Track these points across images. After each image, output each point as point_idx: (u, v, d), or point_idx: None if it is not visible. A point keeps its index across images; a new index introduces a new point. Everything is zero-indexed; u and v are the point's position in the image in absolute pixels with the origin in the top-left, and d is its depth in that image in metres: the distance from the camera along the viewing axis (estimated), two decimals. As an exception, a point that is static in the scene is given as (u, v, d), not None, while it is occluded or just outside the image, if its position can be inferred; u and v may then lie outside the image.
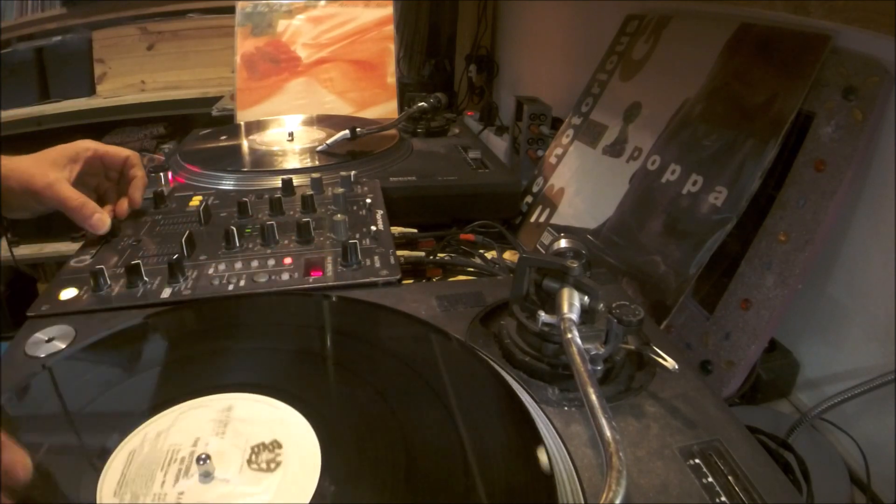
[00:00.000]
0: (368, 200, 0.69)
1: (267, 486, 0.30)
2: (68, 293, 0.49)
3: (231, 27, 1.23)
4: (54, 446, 0.33)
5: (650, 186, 0.68)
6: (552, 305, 0.40)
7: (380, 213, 0.65)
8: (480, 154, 0.90)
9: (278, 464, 0.30)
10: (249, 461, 0.30)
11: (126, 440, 0.33)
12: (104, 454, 0.32)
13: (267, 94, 1.19)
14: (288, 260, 0.55)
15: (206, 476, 0.30)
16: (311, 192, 0.68)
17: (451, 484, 0.30)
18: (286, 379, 0.38)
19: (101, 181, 0.64)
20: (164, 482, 0.30)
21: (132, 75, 1.78)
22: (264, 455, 0.30)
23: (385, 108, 1.20)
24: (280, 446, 0.30)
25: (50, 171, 0.55)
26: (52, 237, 1.73)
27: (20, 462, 0.28)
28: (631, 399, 0.39)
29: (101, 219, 0.57)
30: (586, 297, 0.40)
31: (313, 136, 0.96)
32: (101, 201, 0.63)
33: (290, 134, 0.95)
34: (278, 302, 0.49)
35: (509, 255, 0.72)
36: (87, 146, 0.60)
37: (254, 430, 0.32)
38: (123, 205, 0.63)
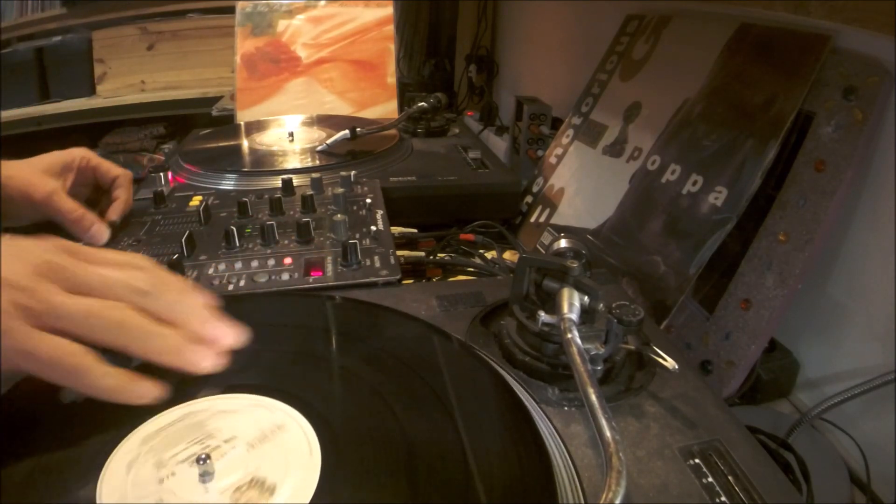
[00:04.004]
0: (368, 200, 0.69)
1: None
2: (68, 293, 0.49)
3: (231, 27, 1.23)
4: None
5: (650, 186, 0.68)
6: (552, 305, 0.40)
7: (380, 213, 0.65)
8: (480, 154, 0.90)
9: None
10: (238, 489, 0.30)
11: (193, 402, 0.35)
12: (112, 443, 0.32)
13: (267, 94, 1.19)
14: (288, 260, 0.55)
15: (206, 476, 0.30)
16: (311, 192, 0.68)
17: (451, 484, 0.30)
18: (286, 379, 0.38)
19: (90, 190, 0.63)
20: (177, 454, 0.31)
21: (132, 75, 1.78)
22: (251, 493, 0.30)
23: (385, 108, 1.20)
24: (272, 494, 0.30)
25: (48, 180, 0.54)
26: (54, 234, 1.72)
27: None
28: (631, 399, 0.39)
29: (100, 230, 0.56)
30: (586, 297, 0.40)
31: (313, 136, 0.96)
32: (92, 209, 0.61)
33: (290, 134, 0.95)
34: (278, 302, 0.49)
35: (509, 255, 0.72)
36: (82, 154, 0.58)
37: (270, 464, 0.31)
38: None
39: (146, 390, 0.31)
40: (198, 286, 0.36)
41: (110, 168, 0.61)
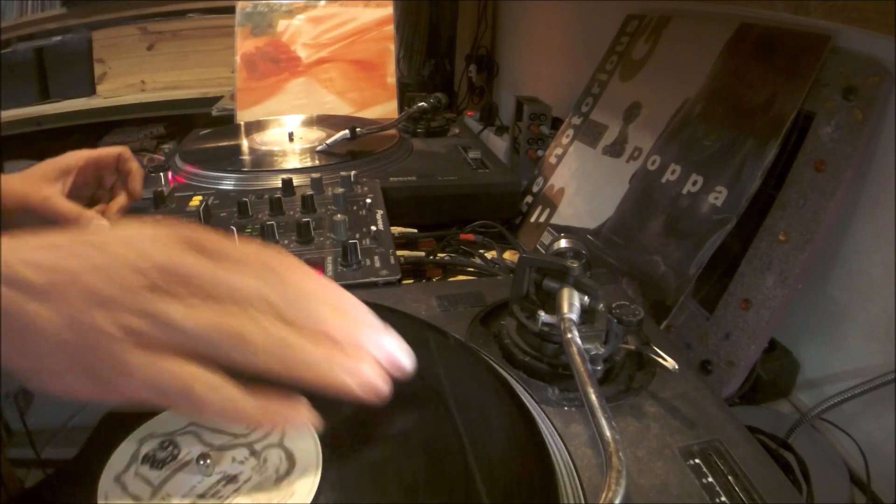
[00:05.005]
0: (368, 200, 0.69)
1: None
2: (68, 293, 0.49)
3: (231, 27, 1.23)
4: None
5: (650, 186, 0.68)
6: (552, 305, 0.40)
7: (380, 213, 0.65)
8: (480, 154, 0.91)
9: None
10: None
11: None
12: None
13: (267, 94, 1.19)
14: (288, 260, 0.55)
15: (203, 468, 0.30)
16: (311, 192, 0.68)
17: (451, 484, 0.30)
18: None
19: (95, 191, 0.63)
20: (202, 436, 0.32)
21: (132, 75, 1.78)
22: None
23: (385, 108, 1.20)
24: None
25: (43, 186, 0.55)
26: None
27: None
28: (631, 399, 0.39)
29: (100, 226, 0.56)
30: (586, 297, 0.40)
31: (313, 136, 0.96)
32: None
33: (290, 134, 0.95)
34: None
35: (509, 255, 0.72)
36: (78, 156, 0.59)
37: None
38: (123, 200, 0.63)
39: (288, 416, 0.26)
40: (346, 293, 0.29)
41: (108, 153, 0.62)
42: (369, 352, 0.27)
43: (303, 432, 0.33)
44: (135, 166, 0.64)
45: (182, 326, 0.24)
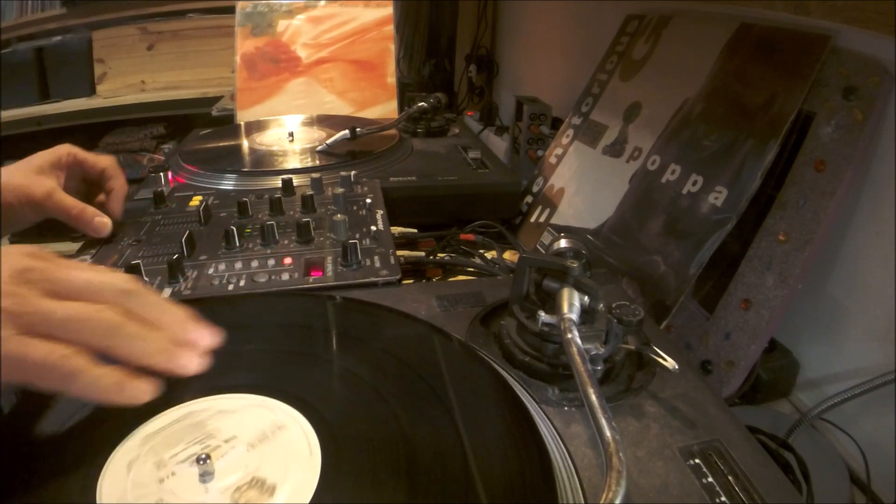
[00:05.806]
0: (368, 200, 0.69)
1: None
2: (68, 293, 0.49)
3: (231, 27, 1.23)
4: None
5: (650, 186, 0.68)
6: (552, 305, 0.40)
7: (380, 213, 0.65)
8: (480, 154, 0.90)
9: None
10: (238, 489, 0.30)
11: (184, 405, 0.35)
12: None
13: (267, 94, 1.19)
14: (288, 260, 0.55)
15: (206, 475, 0.30)
16: (311, 192, 0.68)
17: (451, 484, 0.30)
18: (286, 379, 0.38)
19: (80, 184, 0.63)
20: (177, 454, 0.31)
21: (132, 75, 1.78)
22: (251, 493, 0.30)
23: (385, 108, 1.20)
24: (272, 494, 0.30)
25: (44, 180, 0.55)
26: (52, 237, 1.73)
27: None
28: (631, 399, 0.39)
29: (103, 222, 0.58)
30: (586, 297, 0.40)
31: (313, 136, 0.96)
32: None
33: (290, 134, 0.95)
34: (278, 302, 0.49)
35: (509, 255, 0.72)
36: (67, 150, 0.59)
37: (270, 464, 0.31)
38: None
39: (142, 390, 0.30)
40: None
41: (96, 160, 0.62)
42: (185, 337, 0.32)
43: (303, 434, 0.33)
44: (117, 185, 0.62)
45: (48, 313, 0.29)
